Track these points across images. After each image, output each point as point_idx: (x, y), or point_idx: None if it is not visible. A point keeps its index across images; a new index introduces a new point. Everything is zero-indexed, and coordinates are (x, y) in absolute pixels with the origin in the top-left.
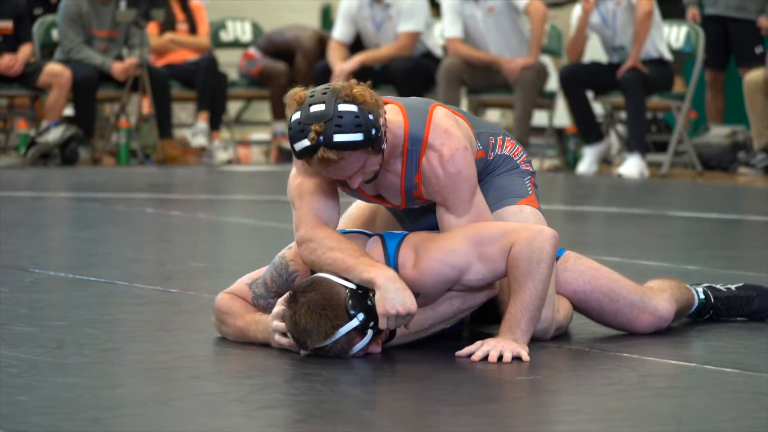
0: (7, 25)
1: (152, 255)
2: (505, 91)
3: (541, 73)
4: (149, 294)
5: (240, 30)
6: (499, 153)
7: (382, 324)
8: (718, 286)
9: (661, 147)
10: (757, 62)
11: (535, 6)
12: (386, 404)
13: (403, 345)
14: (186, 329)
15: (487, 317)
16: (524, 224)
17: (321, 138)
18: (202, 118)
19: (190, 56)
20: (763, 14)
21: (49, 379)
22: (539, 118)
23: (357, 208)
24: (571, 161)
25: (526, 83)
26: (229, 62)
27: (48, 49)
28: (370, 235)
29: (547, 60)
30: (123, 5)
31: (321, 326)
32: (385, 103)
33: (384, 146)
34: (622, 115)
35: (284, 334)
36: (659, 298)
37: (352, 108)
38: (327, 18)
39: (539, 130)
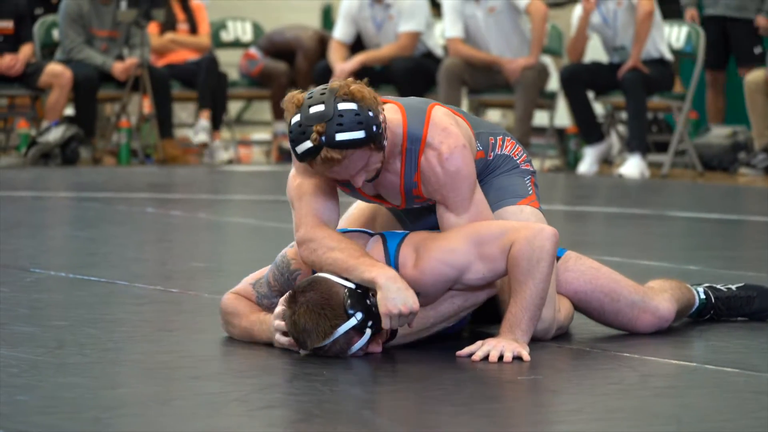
0: (7, 25)
1: (153, 255)
2: (505, 91)
3: (542, 73)
4: (150, 294)
5: (240, 30)
6: (499, 153)
7: (385, 324)
8: (718, 286)
9: (662, 147)
10: (757, 62)
11: (536, 6)
12: (386, 404)
13: (403, 345)
14: (186, 329)
15: (487, 317)
16: (524, 223)
17: (323, 138)
18: (203, 116)
19: (191, 56)
20: (761, 13)
21: (50, 379)
22: (540, 118)
23: (357, 209)
24: (571, 161)
25: (527, 83)
26: (230, 62)
27: (49, 49)
28: (371, 235)
29: (547, 60)
30: (124, 5)
31: (320, 326)
32: (384, 103)
33: (385, 143)
34: (623, 115)
35: (285, 334)
36: (660, 298)
37: (352, 106)
38: (327, 18)
39: (540, 131)
